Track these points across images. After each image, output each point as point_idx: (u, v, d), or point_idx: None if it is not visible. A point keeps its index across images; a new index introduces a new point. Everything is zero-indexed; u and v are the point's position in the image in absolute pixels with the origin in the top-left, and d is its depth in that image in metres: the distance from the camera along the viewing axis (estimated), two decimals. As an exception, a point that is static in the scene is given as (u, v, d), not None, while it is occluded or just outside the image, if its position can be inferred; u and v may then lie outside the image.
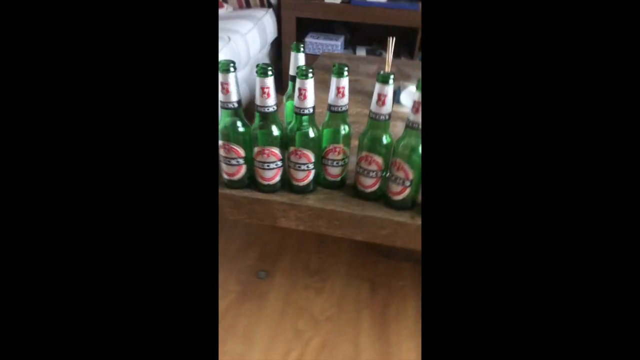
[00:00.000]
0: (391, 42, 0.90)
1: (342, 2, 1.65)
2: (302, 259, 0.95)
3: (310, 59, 1.73)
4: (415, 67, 1.22)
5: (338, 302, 0.84)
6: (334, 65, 0.48)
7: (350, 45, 1.91)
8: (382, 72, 0.47)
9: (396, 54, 1.76)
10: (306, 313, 0.82)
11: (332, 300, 0.85)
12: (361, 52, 1.82)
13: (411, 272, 0.93)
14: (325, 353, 0.74)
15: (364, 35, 1.90)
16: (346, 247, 1.00)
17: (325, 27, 1.85)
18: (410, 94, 0.86)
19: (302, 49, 0.59)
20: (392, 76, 0.46)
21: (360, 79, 1.10)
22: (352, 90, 0.93)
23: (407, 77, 1.11)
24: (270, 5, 1.81)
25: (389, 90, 0.47)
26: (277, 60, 1.98)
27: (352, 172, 0.58)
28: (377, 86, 0.47)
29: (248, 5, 1.84)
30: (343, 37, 1.82)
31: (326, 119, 0.53)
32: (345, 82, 0.49)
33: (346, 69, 0.48)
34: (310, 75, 0.48)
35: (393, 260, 0.95)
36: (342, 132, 0.53)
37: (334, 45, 1.73)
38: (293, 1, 1.67)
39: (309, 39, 1.76)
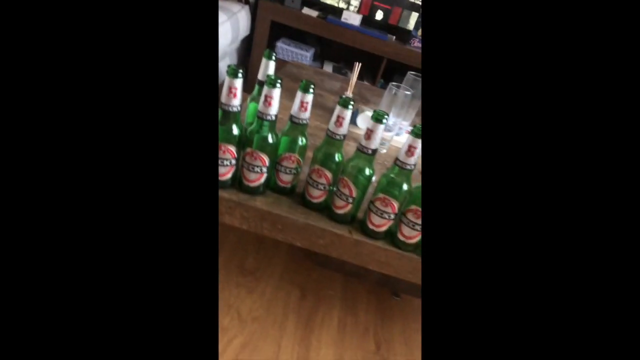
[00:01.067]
0: (357, 67, 0.96)
1: (318, 16, 1.71)
2: (238, 258, 0.96)
3: (279, 62, 1.75)
4: (375, 94, 1.31)
5: (267, 304, 0.86)
6: (302, 81, 0.52)
7: (319, 58, 1.97)
8: (344, 95, 0.52)
9: (360, 77, 1.86)
10: (234, 311, 0.82)
11: (262, 302, 0.86)
12: (328, 67, 1.89)
13: (341, 282, 0.99)
14: (245, 353, 0.75)
15: (334, 52, 1.98)
16: (284, 251, 1.02)
17: (298, 35, 1.89)
18: (366, 118, 0.92)
19: (274, 57, 0.62)
20: (352, 102, 0.51)
21: (323, 94, 1.15)
22: (314, 104, 0.97)
23: (366, 102, 1.18)
24: (247, 2, 1.80)
25: (348, 113, 0.52)
26: (245, 56, 1.97)
27: (303, 181, 0.61)
28: (338, 108, 0.52)
29: (225, -4, 1.81)
30: (313, 50, 1.87)
31: (286, 128, 0.56)
32: (309, 98, 0.52)
33: (312, 86, 0.52)
34: (278, 85, 0.51)
35: (326, 270, 1.00)
36: (300, 143, 0.56)
37: (304, 55, 1.77)
38: (271, 4, 1.69)
39: (280, 44, 1.78)
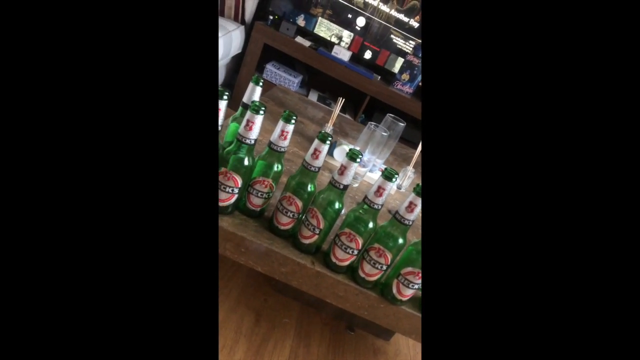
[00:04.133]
0: (340, 102, 1.00)
1: (310, 47, 1.77)
2: (195, 275, 0.93)
3: (266, 84, 1.79)
4: (354, 128, 1.36)
5: (220, 326, 0.83)
6: (285, 111, 0.54)
7: (305, 86, 2.03)
8: (323, 129, 0.54)
9: (342, 110, 1.92)
10: (182, 331, 0.79)
11: (214, 324, 0.83)
12: (313, 95, 1.94)
13: (298, 311, 0.97)
14: (189, 377, 0.71)
15: (320, 81, 2.04)
16: (243, 273, 1.00)
17: (288, 61, 1.95)
18: (343, 152, 0.95)
19: (261, 83, 0.64)
20: (330, 137, 0.53)
21: (305, 121, 1.18)
22: (294, 130, 0.99)
23: (345, 135, 1.22)
24: (243, 23, 1.85)
25: (325, 148, 0.54)
26: (233, 72, 1.99)
27: (273, 206, 0.61)
28: (316, 142, 0.54)
29: (221, 14, 1.85)
30: (301, 77, 1.93)
31: (264, 152, 0.57)
32: (290, 128, 0.54)
33: (294, 117, 0.54)
34: (261, 112, 0.52)
35: (284, 297, 0.99)
36: (275, 169, 0.57)
37: (291, 81, 1.82)
38: (266, 28, 1.74)
39: (269, 66, 1.82)
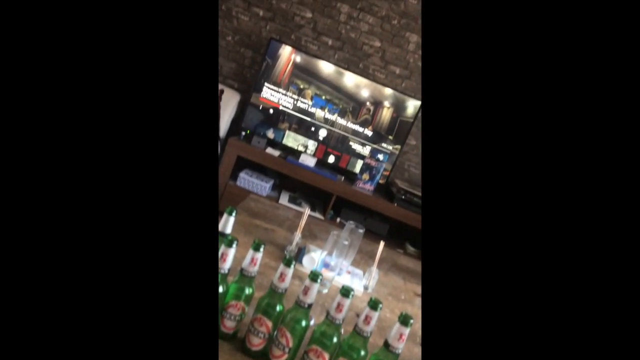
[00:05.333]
0: (306, 212, 1.12)
1: (279, 156, 1.98)
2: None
3: (242, 192, 1.93)
4: (322, 229, 1.46)
5: None
6: (254, 241, 0.63)
7: (277, 188, 2.19)
8: (288, 249, 0.63)
9: (312, 209, 2.07)
10: None
11: None
12: (285, 196, 2.09)
13: None
14: None
15: (291, 183, 2.22)
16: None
17: (260, 167, 2.14)
18: (311, 260, 1.04)
19: (234, 214, 0.74)
20: (293, 262, 0.62)
21: (275, 229, 1.28)
22: (265, 239, 1.08)
23: (314, 238, 1.32)
24: (220, 139, 2.07)
25: (289, 271, 0.62)
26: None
27: (246, 326, 0.66)
28: (281, 266, 0.62)
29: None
30: (272, 181, 2.10)
31: (236, 277, 0.65)
32: (259, 255, 0.63)
33: (262, 246, 0.63)
34: (234, 245, 0.62)
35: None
36: (247, 292, 0.64)
37: (263, 186, 1.98)
38: (238, 142, 1.96)
39: (243, 174, 1.99)
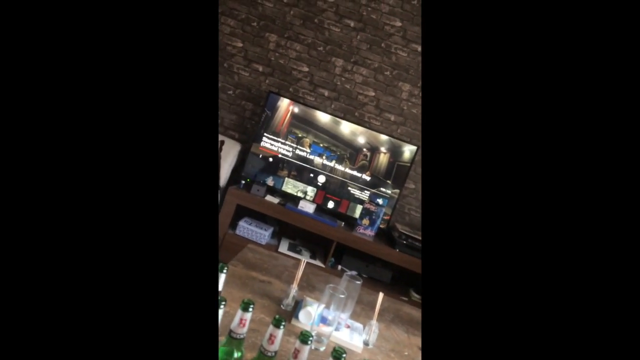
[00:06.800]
0: (302, 264, 1.11)
1: (279, 203, 1.99)
2: None
3: (242, 241, 1.91)
4: (321, 279, 1.43)
5: None
6: (242, 301, 0.62)
7: (277, 235, 2.17)
8: (277, 315, 0.61)
9: (312, 256, 2.03)
10: None
11: None
12: (285, 244, 2.07)
13: None
14: None
15: (290, 230, 2.21)
16: None
17: (260, 214, 2.14)
18: (308, 314, 1.00)
19: (225, 270, 0.74)
20: (283, 323, 0.60)
21: (272, 280, 1.25)
22: (261, 293, 1.06)
23: (312, 289, 1.29)
24: (220, 188, 2.10)
25: (280, 332, 0.60)
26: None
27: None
28: (270, 327, 0.60)
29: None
30: (272, 229, 2.09)
31: (224, 340, 0.62)
32: (248, 316, 0.62)
33: (252, 306, 0.62)
34: (222, 305, 0.60)
35: None
36: (235, 356, 0.62)
37: (263, 234, 1.97)
38: (238, 191, 1.98)
39: (242, 223, 1.99)
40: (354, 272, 1.05)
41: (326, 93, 2.28)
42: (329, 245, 2.00)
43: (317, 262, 1.99)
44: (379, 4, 2.20)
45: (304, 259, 1.12)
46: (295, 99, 2.12)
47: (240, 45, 2.25)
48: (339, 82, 2.27)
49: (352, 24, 2.22)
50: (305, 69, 2.27)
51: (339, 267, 2.00)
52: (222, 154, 2.07)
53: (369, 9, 2.20)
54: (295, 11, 2.22)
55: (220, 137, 2.17)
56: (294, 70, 2.27)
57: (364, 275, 1.98)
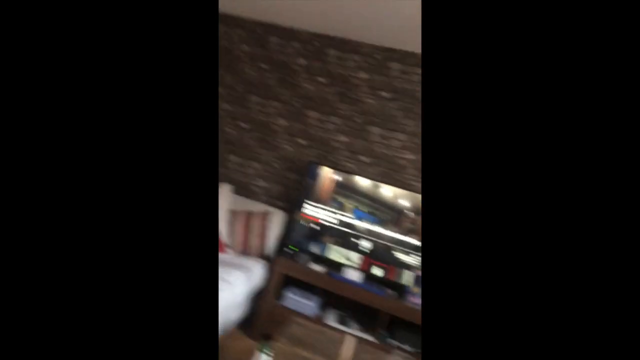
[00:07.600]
0: (347, 342, 1.04)
1: (324, 272, 1.96)
2: None
3: (288, 313, 1.88)
4: (375, 357, 1.32)
5: None
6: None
7: (324, 307, 2.10)
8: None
9: (364, 329, 1.90)
10: None
11: None
12: (332, 315, 1.98)
13: None
14: None
15: (338, 300, 2.12)
16: None
17: (306, 284, 2.10)
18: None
19: (266, 351, 0.73)
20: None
21: (317, 359, 1.18)
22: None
23: (362, 369, 1.19)
24: (267, 259, 2.14)
25: None
26: (256, 301, 2.12)
27: None
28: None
29: (246, 254, 2.18)
30: (320, 300, 2.03)
31: None
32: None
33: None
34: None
35: None
36: None
37: (309, 306, 1.91)
38: (285, 261, 2.00)
39: (288, 293, 1.96)
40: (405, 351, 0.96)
41: (365, 159, 2.35)
42: (379, 316, 1.87)
43: (367, 337, 1.85)
44: (411, 75, 2.33)
45: (352, 332, 1.06)
46: (334, 167, 2.20)
47: (286, 124, 2.47)
48: (377, 149, 2.34)
49: (385, 95, 2.36)
50: (344, 139, 2.39)
51: (392, 341, 1.84)
52: (268, 223, 2.14)
53: (400, 79, 2.34)
54: (332, 89, 2.43)
55: (266, 208, 2.27)
56: (333, 141, 2.40)
57: (420, 351, 1.79)
